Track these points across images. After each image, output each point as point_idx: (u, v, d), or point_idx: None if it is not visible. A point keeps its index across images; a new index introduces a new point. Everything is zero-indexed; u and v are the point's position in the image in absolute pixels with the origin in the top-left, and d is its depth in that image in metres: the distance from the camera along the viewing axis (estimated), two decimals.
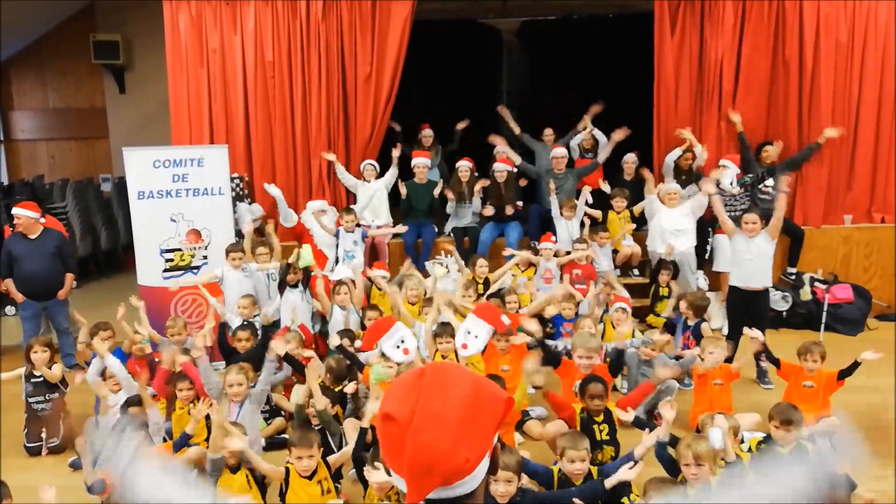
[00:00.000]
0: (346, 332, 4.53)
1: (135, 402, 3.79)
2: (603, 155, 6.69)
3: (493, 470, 1.00)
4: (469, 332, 4.00)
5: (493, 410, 0.97)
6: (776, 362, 4.21)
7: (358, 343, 4.37)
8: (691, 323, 4.94)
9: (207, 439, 3.81)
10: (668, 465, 3.09)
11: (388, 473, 1.02)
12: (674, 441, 3.15)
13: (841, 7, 6.25)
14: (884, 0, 6.23)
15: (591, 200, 6.25)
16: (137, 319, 4.78)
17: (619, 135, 6.56)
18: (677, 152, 6.27)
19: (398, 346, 3.88)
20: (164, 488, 1.23)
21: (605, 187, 6.48)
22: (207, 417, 3.98)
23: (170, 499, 1.20)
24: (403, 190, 6.47)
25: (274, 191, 6.16)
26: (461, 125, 7.47)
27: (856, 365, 3.95)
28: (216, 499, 1.21)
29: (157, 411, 3.81)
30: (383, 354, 3.92)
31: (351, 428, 3.59)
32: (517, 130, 7.01)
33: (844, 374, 3.98)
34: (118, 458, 1.33)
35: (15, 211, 5.29)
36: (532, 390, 4.70)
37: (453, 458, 0.91)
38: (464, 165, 6.52)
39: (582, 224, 6.16)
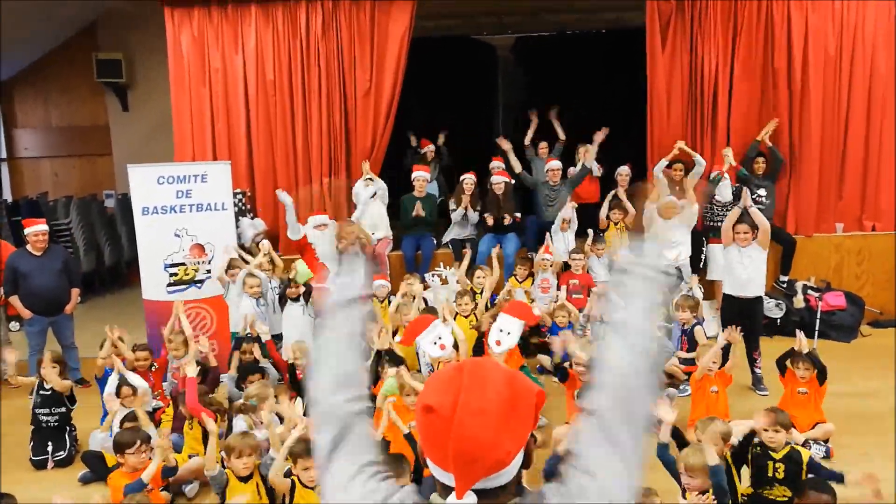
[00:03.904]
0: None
1: (132, 417, 3.85)
2: (590, 160, 6.82)
3: (526, 464, 1.05)
4: (502, 330, 4.17)
5: (529, 402, 1.03)
6: (783, 369, 4.28)
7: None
8: (687, 327, 5.04)
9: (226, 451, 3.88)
10: (670, 467, 3.15)
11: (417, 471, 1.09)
12: (679, 440, 3.24)
13: (829, 20, 6.39)
14: (871, 12, 6.39)
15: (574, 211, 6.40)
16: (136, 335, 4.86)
17: (600, 136, 6.75)
18: (663, 163, 6.40)
19: (435, 343, 4.11)
20: None
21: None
22: (204, 434, 4.03)
23: None
24: (421, 212, 6.53)
25: (286, 199, 6.11)
26: (440, 139, 7.64)
27: (822, 367, 4.05)
28: None
29: (154, 431, 3.87)
30: (392, 361, 4.01)
31: None
32: (518, 168, 6.89)
33: (820, 378, 4.07)
34: None
35: (38, 227, 5.34)
36: None
37: (496, 450, 0.97)
38: (468, 178, 6.63)
39: (588, 233, 6.31)
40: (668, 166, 6.40)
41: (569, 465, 1.03)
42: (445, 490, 1.00)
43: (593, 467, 1.01)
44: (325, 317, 1.26)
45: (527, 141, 7.25)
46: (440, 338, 4.12)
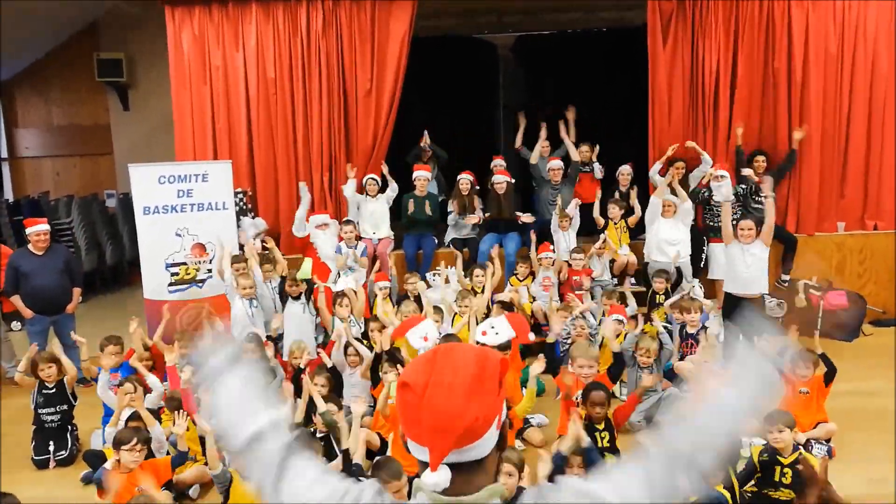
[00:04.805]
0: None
1: (137, 416, 3.84)
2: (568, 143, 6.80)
3: (501, 445, 1.11)
4: (493, 327, 4.25)
5: (494, 371, 1.10)
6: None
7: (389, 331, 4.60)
8: (692, 330, 5.02)
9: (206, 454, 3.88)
10: None
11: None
12: None
13: (830, 19, 6.39)
14: (872, 11, 6.38)
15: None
16: (144, 333, 4.86)
17: (570, 114, 6.89)
18: (657, 166, 6.42)
19: (421, 337, 4.27)
20: (248, 404, 1.24)
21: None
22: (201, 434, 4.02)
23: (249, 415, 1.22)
24: (412, 207, 6.54)
25: (305, 194, 6.41)
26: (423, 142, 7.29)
27: (832, 367, 4.03)
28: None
29: (160, 427, 3.87)
30: (392, 361, 4.05)
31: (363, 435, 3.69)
32: (518, 143, 7.11)
33: (828, 378, 4.06)
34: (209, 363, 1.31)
35: (39, 227, 5.33)
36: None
37: (465, 417, 1.03)
38: (464, 178, 6.63)
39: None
40: (670, 164, 6.40)
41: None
42: (423, 466, 1.06)
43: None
44: (211, 381, 1.29)
45: (518, 143, 7.21)
46: (427, 333, 4.29)
